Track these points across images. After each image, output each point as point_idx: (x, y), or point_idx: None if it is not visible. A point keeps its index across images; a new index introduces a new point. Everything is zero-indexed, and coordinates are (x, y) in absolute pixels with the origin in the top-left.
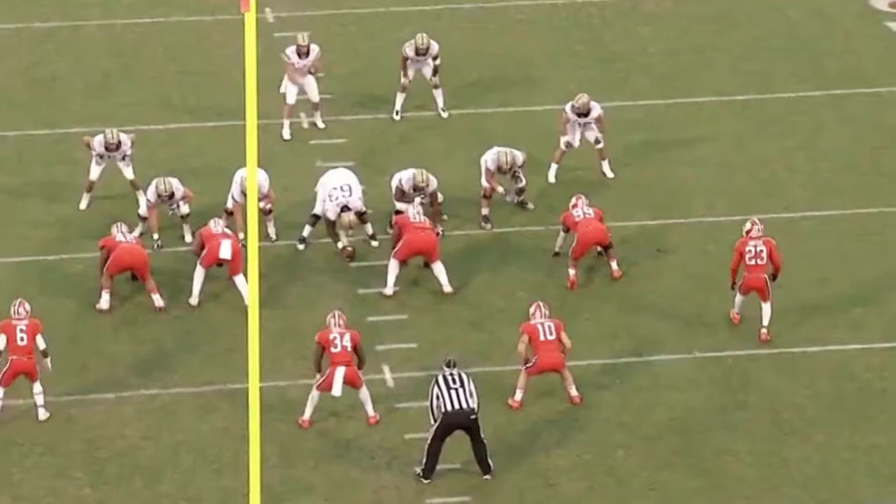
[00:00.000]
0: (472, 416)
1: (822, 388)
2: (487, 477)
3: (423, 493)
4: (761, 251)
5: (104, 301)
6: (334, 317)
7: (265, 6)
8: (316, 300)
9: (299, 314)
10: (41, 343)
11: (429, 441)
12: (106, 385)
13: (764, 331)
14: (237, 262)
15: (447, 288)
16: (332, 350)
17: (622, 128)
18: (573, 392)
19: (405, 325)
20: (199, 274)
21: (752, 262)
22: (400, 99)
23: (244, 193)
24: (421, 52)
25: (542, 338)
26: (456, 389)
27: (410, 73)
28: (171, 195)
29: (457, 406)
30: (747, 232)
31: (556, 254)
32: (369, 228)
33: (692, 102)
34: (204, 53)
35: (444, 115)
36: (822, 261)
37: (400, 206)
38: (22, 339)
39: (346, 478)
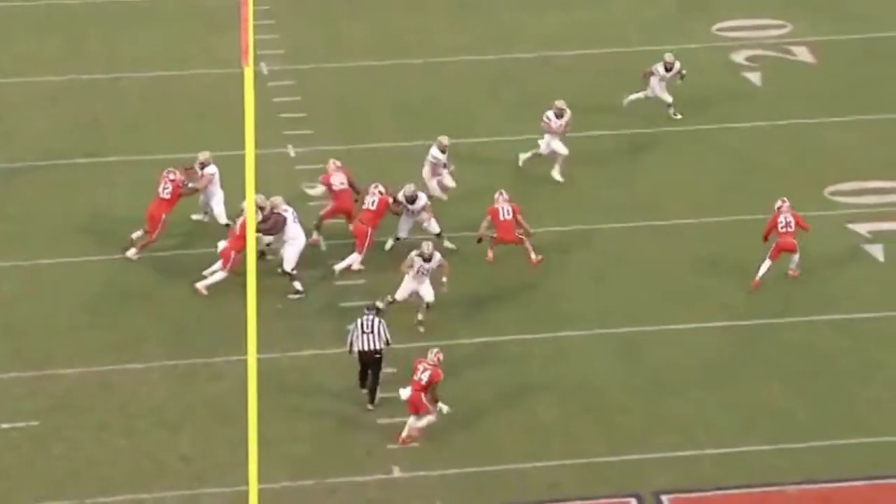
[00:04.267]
0: (377, 356)
1: (700, 357)
2: (370, 407)
3: (385, 440)
4: (790, 221)
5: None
6: (432, 352)
7: (261, 61)
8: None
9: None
10: None
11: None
12: (137, 357)
13: (793, 267)
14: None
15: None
16: (413, 377)
17: None
18: (533, 256)
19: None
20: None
21: (784, 230)
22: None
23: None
24: (668, 69)
25: (501, 217)
26: (368, 334)
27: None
28: None
29: (366, 348)
30: (778, 208)
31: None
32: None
33: None
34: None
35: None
36: None
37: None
38: None
39: (333, 435)
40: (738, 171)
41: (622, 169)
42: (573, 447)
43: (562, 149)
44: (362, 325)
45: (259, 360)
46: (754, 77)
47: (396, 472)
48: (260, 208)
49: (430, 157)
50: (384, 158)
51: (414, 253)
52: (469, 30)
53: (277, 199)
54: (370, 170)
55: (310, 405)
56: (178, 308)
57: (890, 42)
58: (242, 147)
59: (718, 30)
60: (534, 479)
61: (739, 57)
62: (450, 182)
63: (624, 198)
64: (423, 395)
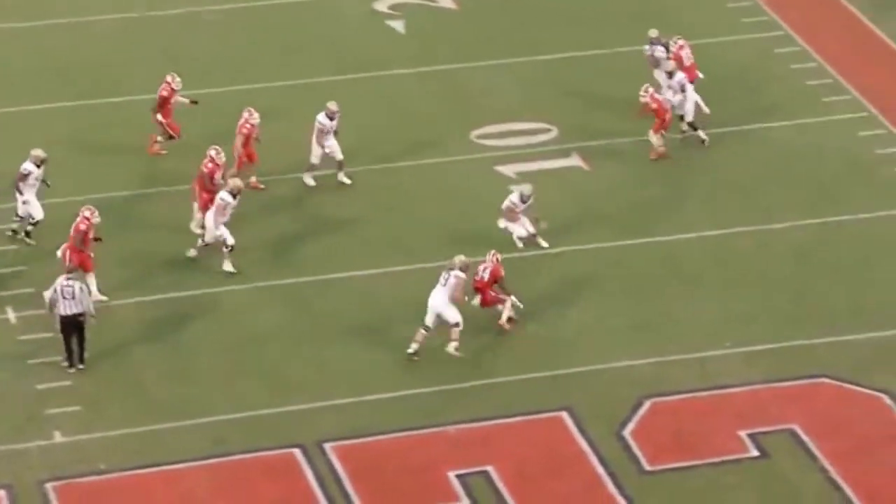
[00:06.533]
0: (79, 319)
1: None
2: (81, 366)
3: (45, 405)
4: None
5: None
6: (491, 254)
7: None
8: None
9: None
10: None
11: (61, 335)
12: None
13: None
14: None
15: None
16: (475, 277)
17: None
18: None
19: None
20: None
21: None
22: None
23: None
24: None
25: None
26: (68, 301)
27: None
28: None
29: (68, 312)
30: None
31: None
32: None
33: None
34: None
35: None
36: None
37: None
38: None
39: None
40: (385, 119)
41: (281, 123)
42: (236, 401)
43: (521, 232)
44: (62, 291)
45: None
46: (398, 25)
47: (58, 437)
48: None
49: (316, 124)
50: (29, 121)
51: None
52: None
53: None
54: (13, 134)
55: None
56: None
57: None
58: None
59: None
60: (197, 436)
61: (382, 6)
62: (338, 154)
63: (279, 148)
64: (487, 290)
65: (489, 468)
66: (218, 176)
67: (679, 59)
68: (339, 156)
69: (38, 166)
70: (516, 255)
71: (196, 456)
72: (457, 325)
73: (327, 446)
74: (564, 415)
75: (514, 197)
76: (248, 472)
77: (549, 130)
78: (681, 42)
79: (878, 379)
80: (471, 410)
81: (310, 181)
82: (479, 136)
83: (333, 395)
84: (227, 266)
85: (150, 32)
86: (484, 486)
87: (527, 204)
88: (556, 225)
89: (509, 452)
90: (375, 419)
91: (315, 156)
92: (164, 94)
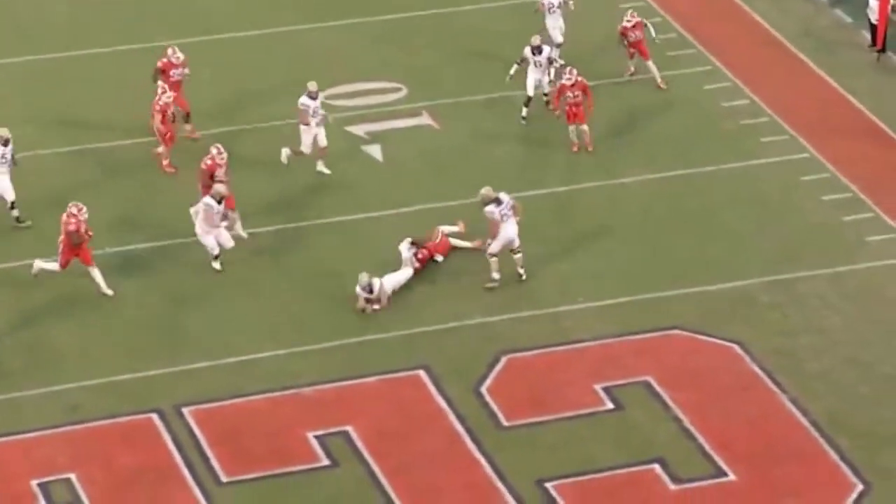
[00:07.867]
0: None
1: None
2: None
3: None
4: (578, 94)
5: None
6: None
7: None
8: None
9: None
10: None
11: None
12: None
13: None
14: None
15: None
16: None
17: None
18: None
19: None
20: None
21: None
22: None
23: None
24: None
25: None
26: None
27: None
28: None
29: None
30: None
31: None
32: None
33: None
34: None
35: None
36: None
37: None
38: None
39: None
40: (234, 82)
41: (128, 90)
42: (91, 368)
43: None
44: None
45: None
46: None
47: None
48: None
49: (299, 105)
50: None
51: (491, 206)
52: None
53: None
54: None
55: None
56: None
57: None
58: None
59: None
60: (51, 404)
61: None
62: (322, 140)
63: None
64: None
65: (348, 428)
66: (220, 173)
67: (633, 34)
68: (324, 141)
69: (313, 98)
70: (362, 215)
71: (52, 424)
72: (519, 249)
73: (185, 411)
74: (422, 373)
75: (359, 290)
76: (105, 438)
77: (398, 90)
78: (636, 19)
79: (730, 329)
80: (328, 371)
81: (321, 168)
82: (329, 97)
83: (190, 359)
84: (216, 265)
85: None
86: (343, 447)
87: (376, 291)
88: (407, 183)
89: (368, 412)
90: (233, 382)
91: (305, 145)
92: (160, 65)
